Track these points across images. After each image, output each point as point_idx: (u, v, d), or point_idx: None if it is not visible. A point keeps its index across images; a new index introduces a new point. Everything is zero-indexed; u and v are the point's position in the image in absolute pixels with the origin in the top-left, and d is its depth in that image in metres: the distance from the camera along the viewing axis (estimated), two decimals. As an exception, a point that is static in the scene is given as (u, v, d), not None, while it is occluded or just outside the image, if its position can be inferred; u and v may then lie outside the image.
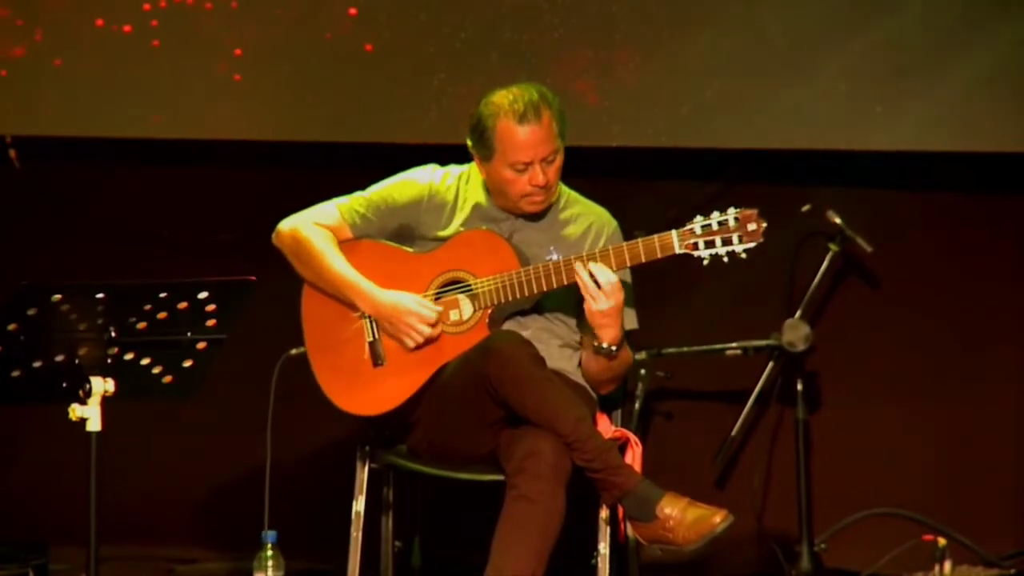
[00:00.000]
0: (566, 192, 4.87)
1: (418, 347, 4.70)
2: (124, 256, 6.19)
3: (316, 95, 6.04)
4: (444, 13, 5.98)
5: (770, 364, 5.99)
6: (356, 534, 4.83)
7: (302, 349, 4.81)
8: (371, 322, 4.75)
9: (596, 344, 4.65)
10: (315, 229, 4.79)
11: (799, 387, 5.95)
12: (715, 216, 4.56)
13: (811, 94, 5.90)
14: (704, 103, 5.94)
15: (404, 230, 4.82)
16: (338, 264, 4.75)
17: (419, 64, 5.99)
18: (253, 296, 4.34)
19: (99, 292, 4.19)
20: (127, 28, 6.04)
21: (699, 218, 4.57)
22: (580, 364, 4.80)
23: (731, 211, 4.56)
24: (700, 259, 4.56)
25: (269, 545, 4.68)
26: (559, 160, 4.72)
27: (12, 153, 6.22)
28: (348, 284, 4.74)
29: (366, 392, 4.73)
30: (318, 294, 4.80)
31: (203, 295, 4.28)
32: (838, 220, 5.93)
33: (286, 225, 4.84)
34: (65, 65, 6.04)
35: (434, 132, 5.94)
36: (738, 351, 5.98)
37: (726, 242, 4.54)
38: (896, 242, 6.06)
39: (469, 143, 4.76)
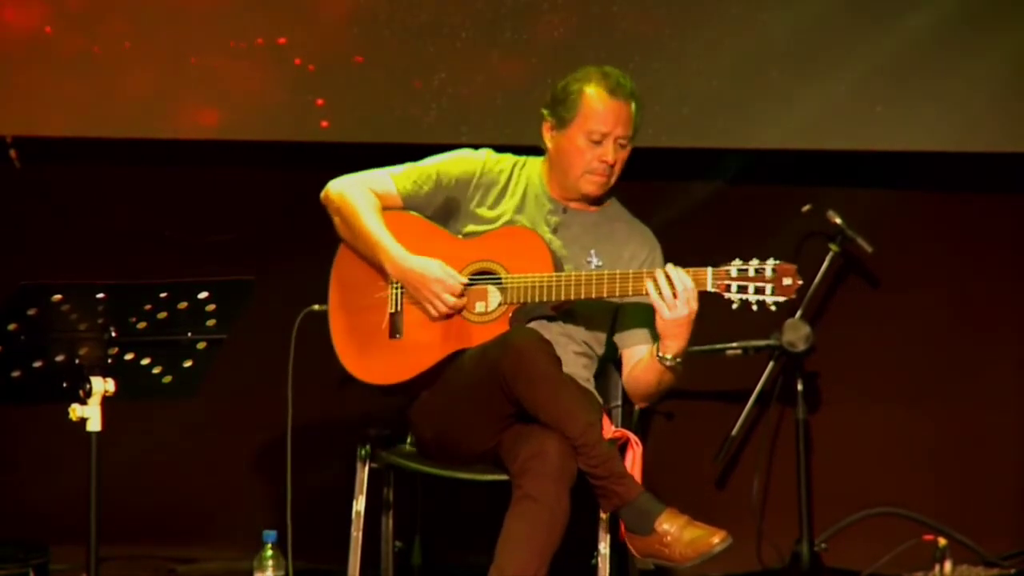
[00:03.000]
0: (617, 204, 4.89)
1: (438, 322, 4.69)
2: (124, 256, 6.19)
3: (316, 95, 6.03)
4: (444, 13, 5.98)
5: (770, 364, 5.99)
6: (356, 534, 4.84)
7: (325, 307, 4.82)
8: (397, 293, 4.76)
9: (660, 355, 4.63)
10: (364, 191, 4.81)
11: (799, 387, 5.95)
12: (754, 263, 4.54)
13: (811, 94, 5.90)
14: (704, 103, 5.94)
15: (451, 203, 4.83)
16: (374, 226, 4.76)
17: (419, 64, 5.99)
18: (253, 296, 4.34)
19: (99, 292, 4.19)
20: (126, 27, 6.04)
21: (737, 261, 4.55)
22: (626, 376, 4.79)
23: (770, 262, 4.53)
24: (729, 301, 4.55)
25: (269, 545, 4.68)
26: (627, 153, 4.77)
27: (12, 153, 6.22)
28: (380, 246, 4.74)
29: (376, 360, 4.74)
30: (352, 256, 4.81)
31: (203, 295, 4.28)
32: (838, 220, 5.93)
33: (336, 184, 4.85)
34: (67, 65, 6.04)
35: (434, 132, 5.94)
36: (738, 351, 5.98)
37: (759, 291, 4.53)
38: (896, 242, 6.06)
39: (546, 112, 4.78)
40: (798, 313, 5.94)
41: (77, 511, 4.30)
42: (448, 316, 4.71)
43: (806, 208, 5.95)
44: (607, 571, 4.65)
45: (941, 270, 6.14)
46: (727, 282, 4.54)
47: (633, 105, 4.74)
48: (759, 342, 5.96)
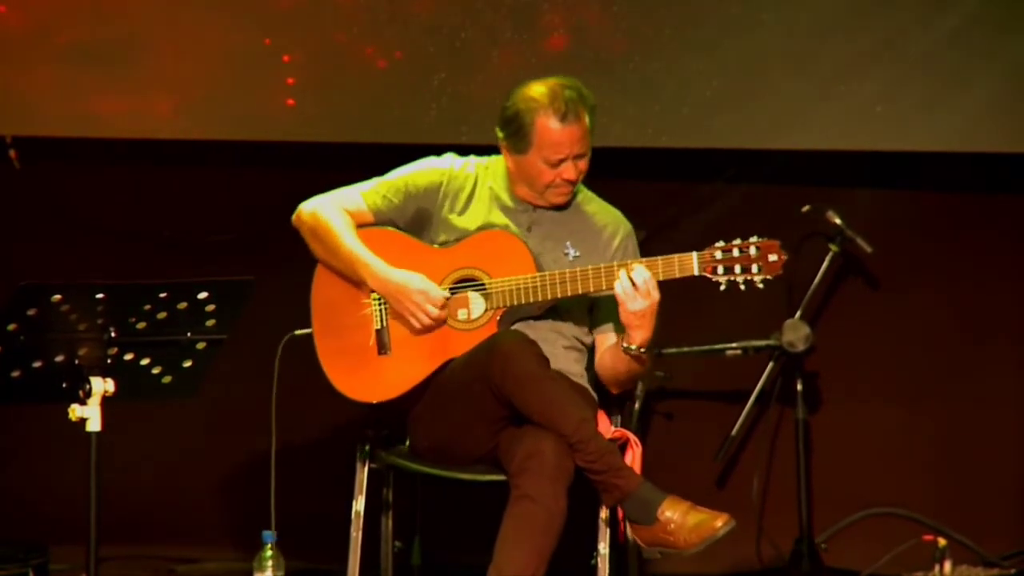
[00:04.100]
0: (583, 190, 4.89)
1: (423, 335, 4.70)
2: (124, 256, 6.19)
3: (316, 95, 6.04)
4: (444, 13, 5.98)
5: (770, 364, 5.99)
6: (356, 534, 4.84)
7: (307, 331, 4.81)
8: (380, 309, 4.76)
9: (625, 345, 4.64)
10: (336, 210, 4.81)
11: (799, 387, 5.96)
12: (736, 243, 4.56)
13: (811, 94, 5.90)
14: (704, 103, 5.94)
15: (422, 214, 4.83)
16: (352, 242, 4.76)
17: (419, 64, 5.99)
18: (253, 296, 4.34)
19: (99, 292, 4.19)
20: (126, 27, 6.04)
21: (720, 243, 4.57)
22: (597, 361, 4.80)
23: (753, 240, 4.56)
24: (717, 283, 4.57)
25: (269, 545, 4.68)
26: (588, 159, 4.76)
27: (12, 153, 6.22)
28: (360, 261, 4.74)
29: (368, 379, 4.74)
30: (330, 276, 4.81)
31: (203, 295, 4.28)
32: (838, 220, 5.93)
33: (307, 206, 4.85)
34: (66, 64, 6.04)
35: (434, 132, 5.94)
36: (738, 351, 5.98)
37: (745, 270, 4.55)
38: (896, 242, 6.06)
39: (501, 134, 4.78)
40: (798, 313, 5.94)
41: (77, 511, 4.30)
42: (430, 329, 4.71)
43: (806, 208, 5.95)
44: (607, 571, 4.65)
45: (941, 270, 6.14)
46: (713, 264, 4.56)
47: (586, 117, 4.71)
48: (759, 342, 5.96)
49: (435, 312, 4.69)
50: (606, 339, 4.81)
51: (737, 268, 4.56)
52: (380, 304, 4.77)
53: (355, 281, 4.78)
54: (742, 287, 4.57)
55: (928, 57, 5.84)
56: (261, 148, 6.18)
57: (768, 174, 6.10)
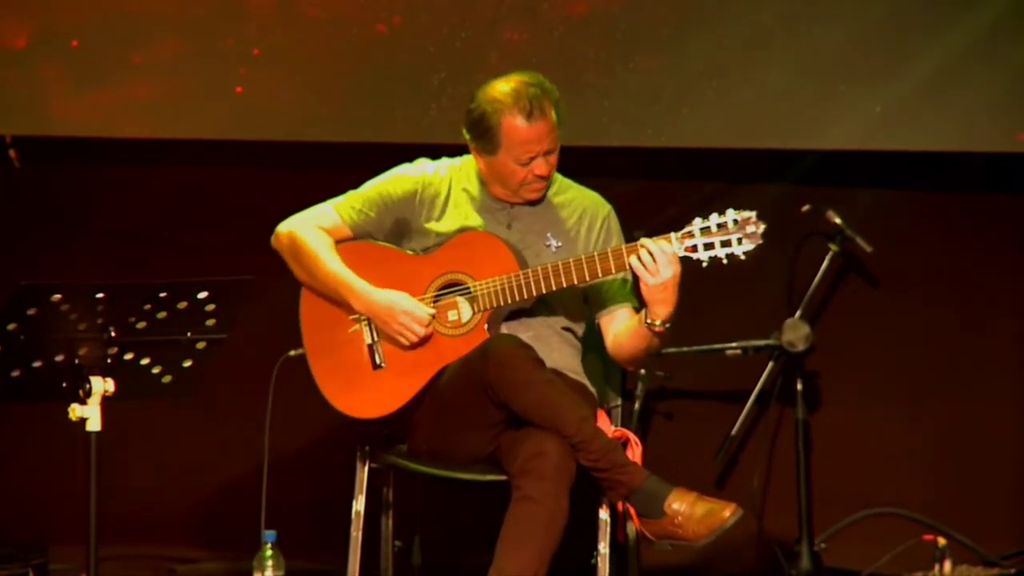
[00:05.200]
0: (559, 178, 4.89)
1: (415, 347, 4.71)
2: (124, 256, 6.19)
3: (316, 95, 6.04)
4: (444, 13, 5.98)
5: (770, 364, 5.99)
6: (356, 534, 4.84)
7: (301, 350, 4.81)
8: (369, 324, 4.76)
9: (648, 321, 4.61)
10: (313, 231, 4.81)
11: (799, 387, 5.95)
12: (714, 218, 4.54)
13: (811, 94, 5.90)
14: (704, 103, 5.94)
15: (400, 224, 4.83)
16: (332, 264, 4.76)
17: (419, 64, 5.99)
18: (252, 296, 4.34)
19: (99, 292, 4.19)
20: (128, 26, 6.04)
21: (698, 220, 4.55)
22: (610, 343, 4.78)
23: (730, 213, 4.53)
24: (699, 261, 4.55)
25: (269, 545, 4.68)
26: (558, 153, 4.75)
27: (12, 153, 6.22)
28: (342, 283, 4.74)
29: (365, 395, 4.74)
30: (316, 296, 4.81)
31: (203, 295, 4.28)
32: (838, 220, 5.93)
33: (284, 227, 4.85)
34: (66, 64, 6.04)
35: (434, 132, 5.94)
36: (738, 351, 5.98)
37: (725, 244, 4.53)
38: (896, 242, 6.06)
39: (468, 136, 4.77)
40: (798, 313, 5.94)
41: (77, 511, 4.29)
42: (418, 345, 4.71)
43: (806, 208, 5.95)
44: (607, 571, 4.65)
45: (941, 270, 6.14)
46: (692, 243, 4.54)
47: (552, 112, 4.70)
48: (759, 342, 5.96)
49: (421, 331, 4.69)
50: (612, 319, 4.79)
51: (717, 243, 4.53)
52: (367, 319, 4.77)
53: (340, 301, 4.77)
54: (725, 262, 4.54)
55: (929, 57, 5.84)
56: (262, 148, 6.18)
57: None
